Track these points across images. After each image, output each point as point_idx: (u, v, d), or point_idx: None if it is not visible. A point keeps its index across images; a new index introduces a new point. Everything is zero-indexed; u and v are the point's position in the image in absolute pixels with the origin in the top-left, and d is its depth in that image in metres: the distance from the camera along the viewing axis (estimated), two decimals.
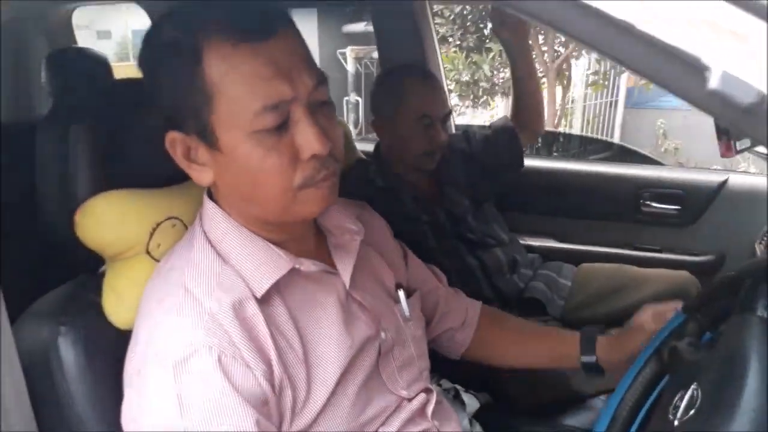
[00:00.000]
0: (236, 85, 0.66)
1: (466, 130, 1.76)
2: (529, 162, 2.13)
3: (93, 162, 0.83)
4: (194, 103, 0.68)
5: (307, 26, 6.24)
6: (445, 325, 1.07)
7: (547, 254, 1.81)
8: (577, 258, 1.78)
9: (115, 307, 0.84)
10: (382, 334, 0.85)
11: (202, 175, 0.74)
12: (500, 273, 1.59)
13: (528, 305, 1.58)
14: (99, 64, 1.90)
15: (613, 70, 5.93)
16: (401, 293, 0.94)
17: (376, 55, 5.33)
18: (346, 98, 5.88)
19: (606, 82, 5.90)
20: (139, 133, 0.85)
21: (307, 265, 0.77)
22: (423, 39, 1.94)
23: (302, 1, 2.38)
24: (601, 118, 6.50)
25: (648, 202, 1.86)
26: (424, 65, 1.87)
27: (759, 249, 1.49)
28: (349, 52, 6.13)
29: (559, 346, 1.03)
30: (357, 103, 5.73)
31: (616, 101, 6.57)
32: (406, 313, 0.92)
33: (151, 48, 0.71)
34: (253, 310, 0.71)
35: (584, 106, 6.29)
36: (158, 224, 0.85)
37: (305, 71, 0.68)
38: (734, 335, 0.60)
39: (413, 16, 1.90)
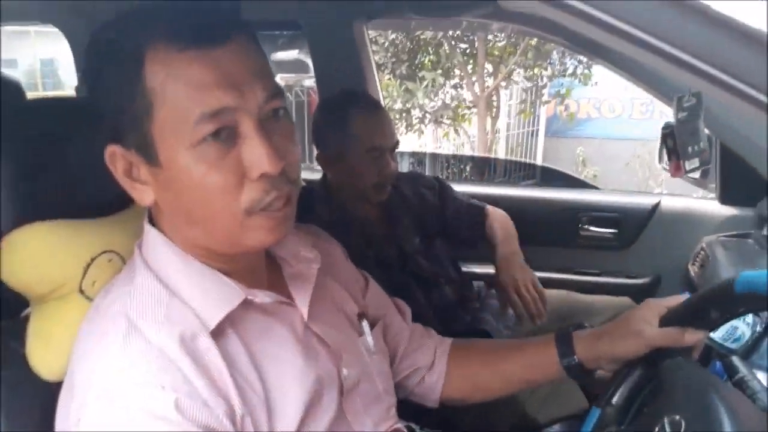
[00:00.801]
0: (176, 92, 0.61)
1: (442, 183, 1.69)
2: (466, 188, 2.17)
3: (14, 190, 0.73)
4: (134, 112, 0.63)
5: None
6: (410, 364, 0.99)
7: (492, 281, 1.79)
8: None
9: (42, 355, 0.75)
10: (344, 371, 0.79)
11: (143, 195, 0.68)
12: (449, 310, 1.54)
13: (476, 337, 1.54)
14: (10, 88, 1.75)
15: (538, 100, 6.21)
16: (365, 324, 0.88)
17: (307, 83, 5.31)
18: None
19: (532, 110, 6.15)
20: (69, 156, 0.76)
21: (261, 297, 0.72)
22: (362, 66, 1.92)
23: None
24: (524, 146, 6.75)
25: (586, 226, 1.90)
26: (365, 92, 1.84)
27: (692, 270, 1.54)
28: (279, 80, 6.03)
29: (534, 355, 0.93)
30: None
31: (537, 130, 6.85)
32: (371, 345, 0.87)
33: (92, 54, 0.65)
34: (206, 344, 0.65)
35: (507, 135, 6.51)
36: (93, 259, 0.77)
37: (257, 82, 0.63)
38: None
39: (353, 44, 1.88)
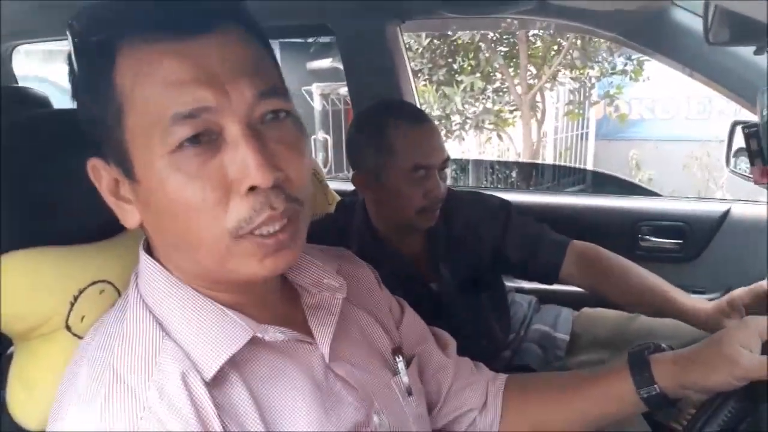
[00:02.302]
0: (147, 92, 0.53)
1: (510, 213, 1.37)
2: (517, 197, 2.04)
3: None
4: (108, 120, 0.55)
5: None
6: (458, 405, 0.85)
7: (543, 297, 1.66)
8: (574, 301, 1.62)
9: (24, 403, 0.68)
10: (376, 419, 0.68)
11: (127, 216, 0.59)
12: (487, 357, 1.37)
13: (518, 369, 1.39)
14: (40, 105, 1.74)
15: (586, 101, 5.99)
16: (400, 361, 0.76)
17: (342, 91, 5.29)
18: (313, 137, 5.82)
19: (580, 112, 5.93)
20: (55, 174, 0.68)
21: (272, 333, 0.61)
22: (397, 71, 1.82)
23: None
24: (573, 150, 6.53)
25: (647, 237, 1.75)
26: (406, 102, 1.72)
27: None
28: (315, 89, 6.06)
29: (606, 386, 0.79)
30: (325, 141, 5.66)
31: (587, 133, 6.63)
32: (407, 386, 0.75)
33: (71, 56, 0.57)
34: (200, 396, 0.55)
35: (555, 139, 6.31)
36: (81, 291, 0.69)
37: (245, 78, 0.54)
38: None
39: (386, 48, 1.79)
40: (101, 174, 0.58)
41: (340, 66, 1.93)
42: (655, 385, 0.74)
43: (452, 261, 1.32)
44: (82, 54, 0.56)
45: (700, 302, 1.18)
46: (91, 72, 0.55)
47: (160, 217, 0.56)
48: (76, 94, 0.58)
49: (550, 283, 1.38)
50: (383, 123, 1.23)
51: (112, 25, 0.53)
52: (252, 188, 0.52)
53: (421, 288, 1.29)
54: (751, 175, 0.95)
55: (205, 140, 0.52)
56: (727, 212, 1.69)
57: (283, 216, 0.54)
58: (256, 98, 0.54)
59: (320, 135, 5.78)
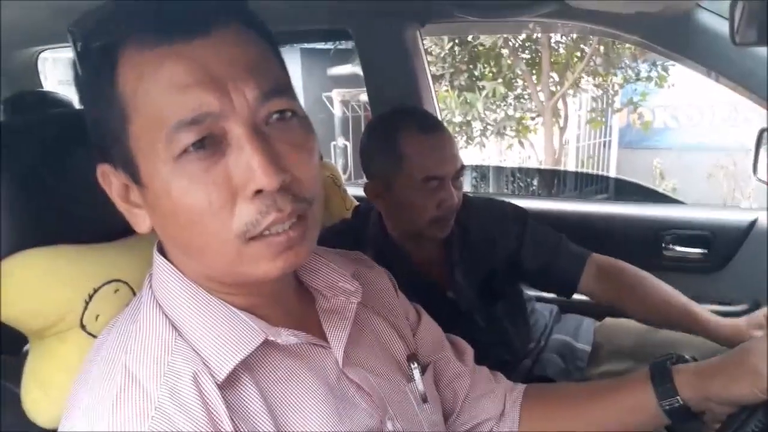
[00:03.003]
0: (149, 98, 0.52)
1: (528, 223, 1.34)
2: (539, 204, 2.01)
3: (9, 212, 0.66)
4: (113, 125, 0.54)
5: (291, 70, 6.25)
6: (475, 414, 0.84)
7: (564, 306, 1.63)
8: (596, 311, 1.59)
9: (39, 400, 0.68)
10: (389, 425, 0.67)
11: (139, 221, 0.59)
12: (505, 366, 1.31)
13: (538, 379, 1.35)
14: (63, 108, 1.77)
15: (609, 108, 5.91)
16: (415, 368, 0.75)
17: (363, 97, 5.30)
18: (333, 143, 5.83)
19: (603, 120, 5.86)
20: (72, 174, 0.69)
21: (286, 337, 0.61)
22: (416, 76, 1.81)
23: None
24: (596, 158, 6.46)
25: (671, 246, 1.70)
26: (421, 109, 1.71)
27: None
28: (335, 95, 6.10)
29: (627, 397, 0.77)
30: (345, 147, 5.67)
31: (610, 141, 6.55)
32: (423, 393, 0.74)
33: (76, 61, 0.58)
34: (212, 397, 0.55)
35: (578, 147, 6.24)
36: (96, 290, 0.69)
37: (247, 79, 0.53)
38: None
39: (405, 53, 1.77)
40: (110, 180, 0.58)
41: (361, 72, 1.93)
42: (678, 397, 0.72)
43: (468, 268, 1.29)
44: (84, 59, 0.56)
45: (723, 320, 1.15)
46: (94, 78, 0.55)
47: (168, 222, 0.55)
48: (81, 100, 0.58)
49: (568, 296, 1.36)
50: (395, 132, 1.19)
51: (113, 30, 0.53)
52: (258, 191, 0.52)
53: (436, 295, 1.27)
54: None
55: (209, 144, 0.52)
56: (754, 222, 1.64)
57: (290, 216, 0.53)
58: (259, 99, 0.53)
59: (340, 141, 5.80)
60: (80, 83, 0.58)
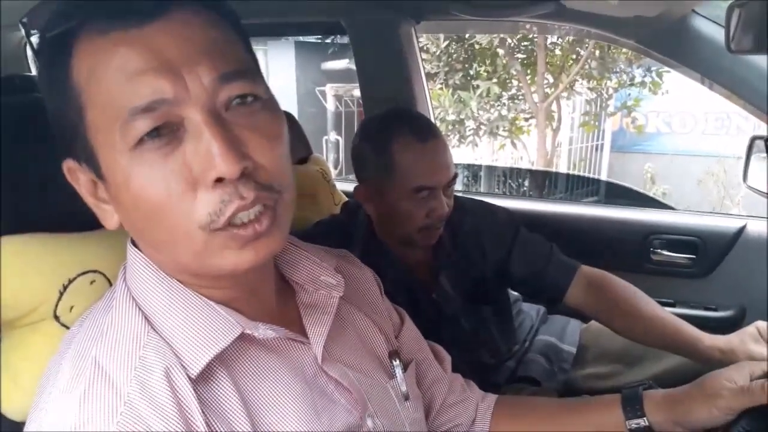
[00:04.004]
0: (102, 86, 0.50)
1: (520, 232, 1.34)
2: (524, 205, 2.00)
3: None
4: (71, 118, 0.52)
5: (285, 64, 6.23)
6: (449, 419, 0.85)
7: (551, 307, 1.62)
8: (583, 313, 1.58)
9: (9, 390, 0.67)
10: (369, 422, 0.66)
11: (107, 216, 0.57)
12: (488, 368, 1.34)
13: (521, 385, 1.35)
14: None
15: (603, 112, 5.92)
16: (397, 365, 0.74)
17: (356, 93, 5.29)
18: (325, 137, 5.81)
19: (596, 123, 5.88)
20: (47, 160, 0.66)
21: (263, 331, 0.59)
22: (410, 73, 1.79)
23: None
24: (588, 161, 6.47)
25: (658, 250, 1.70)
26: (414, 108, 1.69)
27: None
28: (329, 89, 6.07)
29: (595, 416, 0.81)
30: (337, 142, 5.65)
31: (602, 145, 6.56)
32: (404, 390, 0.73)
33: (34, 51, 0.55)
34: (184, 393, 0.53)
35: (570, 149, 6.25)
36: (71, 280, 0.68)
37: (203, 62, 0.50)
38: None
39: (400, 49, 1.76)
40: (78, 176, 0.56)
41: (354, 68, 1.92)
42: (645, 418, 0.76)
43: (455, 271, 1.28)
44: (40, 50, 0.54)
45: (715, 338, 1.13)
46: (50, 69, 0.53)
47: (132, 215, 0.54)
48: (42, 93, 0.56)
49: (555, 306, 1.36)
50: (387, 138, 1.15)
51: (67, 19, 0.51)
52: (219, 179, 0.50)
53: (422, 296, 1.26)
54: None
55: (166, 132, 0.50)
56: (742, 228, 1.64)
57: (254, 204, 0.51)
58: (216, 82, 0.51)
59: (332, 136, 5.78)
60: (39, 75, 0.56)
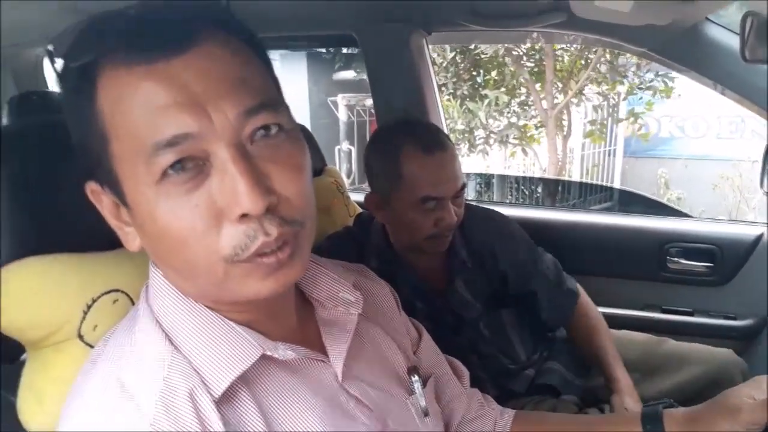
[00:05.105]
0: (127, 119, 0.50)
1: (532, 247, 1.40)
2: (537, 213, 1.99)
3: (6, 219, 0.65)
4: (95, 146, 0.53)
5: (297, 74, 6.27)
6: None
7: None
8: None
9: (34, 411, 0.67)
10: None
11: (129, 238, 0.58)
12: (508, 375, 1.34)
13: (541, 395, 1.35)
14: None
15: (610, 119, 5.88)
16: (416, 381, 0.74)
17: (368, 102, 5.30)
18: (338, 147, 5.83)
19: (603, 133, 5.83)
20: (71, 180, 0.67)
21: (283, 351, 0.59)
22: (421, 84, 1.80)
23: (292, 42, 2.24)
24: (601, 167, 6.43)
25: (675, 258, 1.69)
26: (426, 120, 1.68)
27: None
28: (340, 99, 6.09)
29: None
30: (349, 152, 5.66)
31: (615, 150, 6.52)
32: (423, 405, 0.73)
33: (59, 77, 0.56)
34: (207, 410, 0.54)
35: (582, 155, 6.22)
36: (95, 299, 0.68)
37: (228, 97, 0.50)
38: None
39: (412, 60, 1.77)
40: (100, 198, 0.57)
41: (366, 77, 1.93)
42: None
43: (470, 277, 1.29)
44: (64, 77, 0.54)
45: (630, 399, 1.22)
46: (75, 96, 0.53)
47: (155, 243, 0.54)
48: (66, 117, 0.57)
49: (554, 329, 1.44)
50: (396, 149, 1.17)
51: (92, 48, 0.51)
52: (244, 215, 0.50)
53: (440, 303, 1.27)
54: None
55: (192, 167, 0.50)
56: (760, 236, 1.62)
57: (277, 241, 0.52)
58: (241, 117, 0.51)
59: (344, 146, 5.80)
60: (63, 101, 0.56)
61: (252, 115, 0.51)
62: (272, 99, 0.54)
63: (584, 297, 1.43)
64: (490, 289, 1.32)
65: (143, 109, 0.50)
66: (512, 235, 1.36)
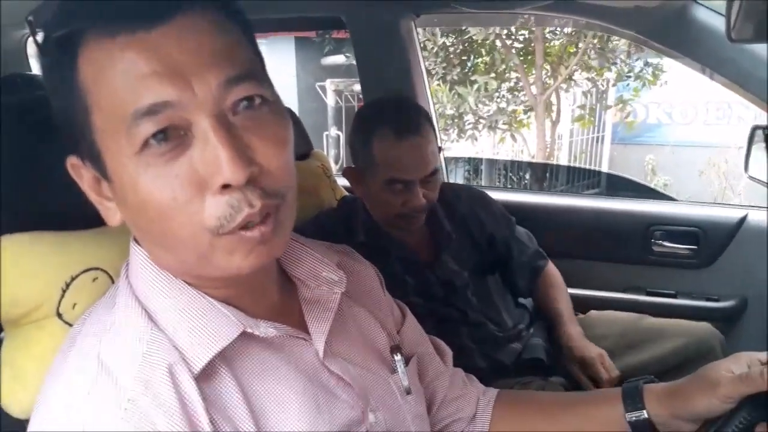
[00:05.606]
0: (109, 89, 0.50)
1: (510, 221, 1.52)
2: (524, 197, 2.01)
3: None
4: (77, 118, 0.52)
5: (285, 59, 6.23)
6: (450, 413, 0.85)
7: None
8: (582, 304, 1.61)
9: (13, 389, 0.66)
10: (371, 417, 0.66)
11: (110, 213, 0.58)
12: (496, 345, 1.37)
13: (527, 367, 1.38)
14: None
15: (598, 105, 5.90)
16: (399, 359, 0.74)
17: (356, 87, 5.28)
18: (326, 132, 5.80)
19: (592, 118, 5.85)
20: (51, 158, 0.66)
21: (264, 329, 0.59)
22: (410, 68, 1.80)
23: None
24: (589, 153, 6.45)
25: (660, 241, 1.71)
26: (412, 101, 1.68)
27: None
28: (329, 84, 6.06)
29: (598, 409, 0.81)
30: (338, 138, 5.64)
31: (603, 136, 6.54)
32: (406, 384, 0.73)
33: (39, 49, 0.56)
34: (187, 389, 0.54)
35: (571, 141, 6.24)
36: (74, 277, 0.68)
37: (211, 67, 0.50)
38: None
39: (400, 43, 1.76)
40: (81, 172, 0.57)
41: (354, 63, 1.92)
42: (644, 411, 0.75)
43: (456, 248, 1.36)
44: (45, 49, 0.53)
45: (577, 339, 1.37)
46: (56, 68, 0.53)
47: (137, 216, 0.54)
48: (47, 91, 0.56)
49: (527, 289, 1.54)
50: (371, 130, 1.22)
51: (74, 19, 0.51)
52: (226, 185, 0.50)
53: (426, 274, 1.31)
54: None
55: (173, 137, 0.50)
56: (743, 219, 1.64)
57: (260, 213, 0.52)
58: (223, 86, 0.50)
59: (333, 131, 5.78)
60: (44, 74, 0.56)
61: (234, 85, 0.51)
62: (255, 70, 0.54)
63: (551, 264, 1.56)
64: (477, 257, 1.39)
65: (124, 78, 0.49)
66: (491, 204, 1.49)
